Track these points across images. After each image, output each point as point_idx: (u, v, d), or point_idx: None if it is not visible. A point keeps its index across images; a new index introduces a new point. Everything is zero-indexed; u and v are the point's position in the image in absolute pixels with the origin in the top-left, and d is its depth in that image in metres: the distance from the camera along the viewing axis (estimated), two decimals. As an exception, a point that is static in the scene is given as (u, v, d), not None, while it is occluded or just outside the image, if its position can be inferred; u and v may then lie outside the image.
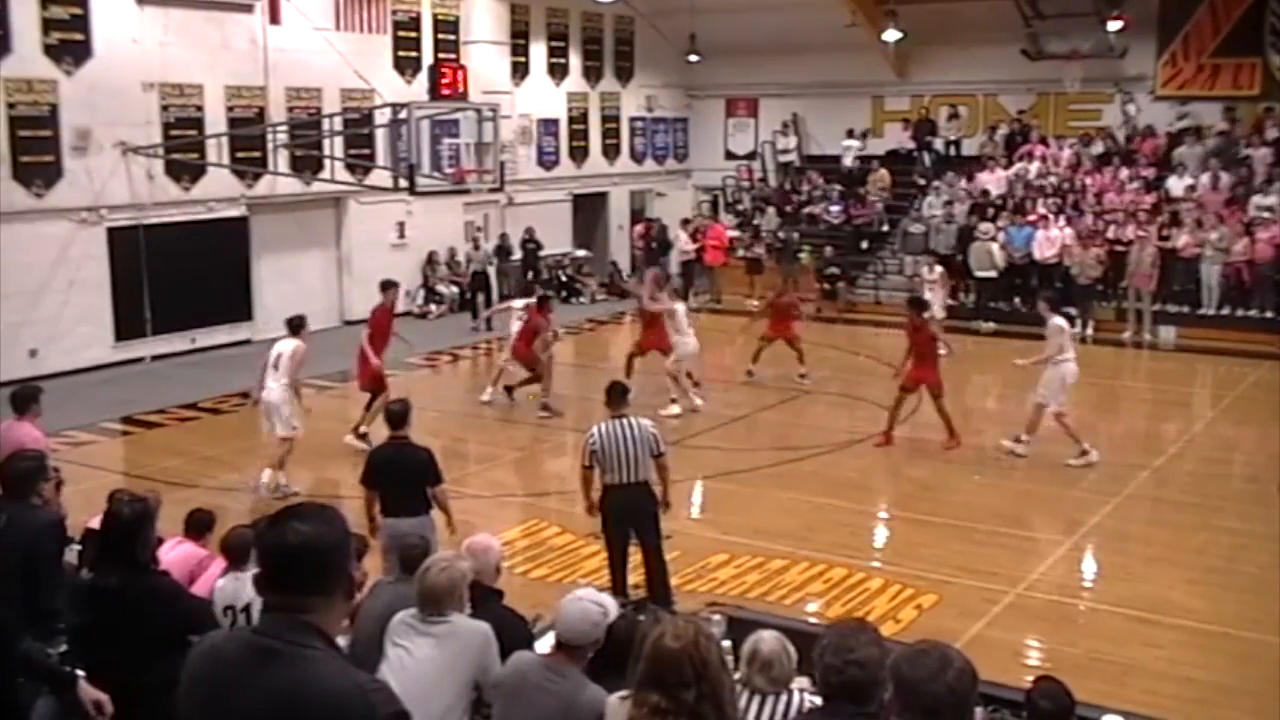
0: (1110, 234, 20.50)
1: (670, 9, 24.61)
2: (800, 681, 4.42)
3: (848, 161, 25.03)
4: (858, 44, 23.90)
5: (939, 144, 24.57)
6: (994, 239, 20.83)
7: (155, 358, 17.82)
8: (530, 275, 22.50)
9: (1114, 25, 21.65)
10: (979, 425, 14.13)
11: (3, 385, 10.19)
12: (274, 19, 18.92)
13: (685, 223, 24.41)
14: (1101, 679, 7.35)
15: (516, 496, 12.17)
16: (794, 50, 24.16)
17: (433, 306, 22.00)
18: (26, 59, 16.19)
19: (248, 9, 18.65)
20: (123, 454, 13.80)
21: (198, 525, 7.14)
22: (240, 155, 18.59)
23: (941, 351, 13.52)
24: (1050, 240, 20.45)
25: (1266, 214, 19.60)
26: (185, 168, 18.16)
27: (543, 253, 23.46)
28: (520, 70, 23.70)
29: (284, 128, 19.03)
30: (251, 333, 18.94)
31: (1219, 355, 18.14)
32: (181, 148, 17.98)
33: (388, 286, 13.76)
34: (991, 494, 11.75)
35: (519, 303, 15.74)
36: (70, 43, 16.64)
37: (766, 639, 4.47)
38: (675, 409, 14.43)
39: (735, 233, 24.63)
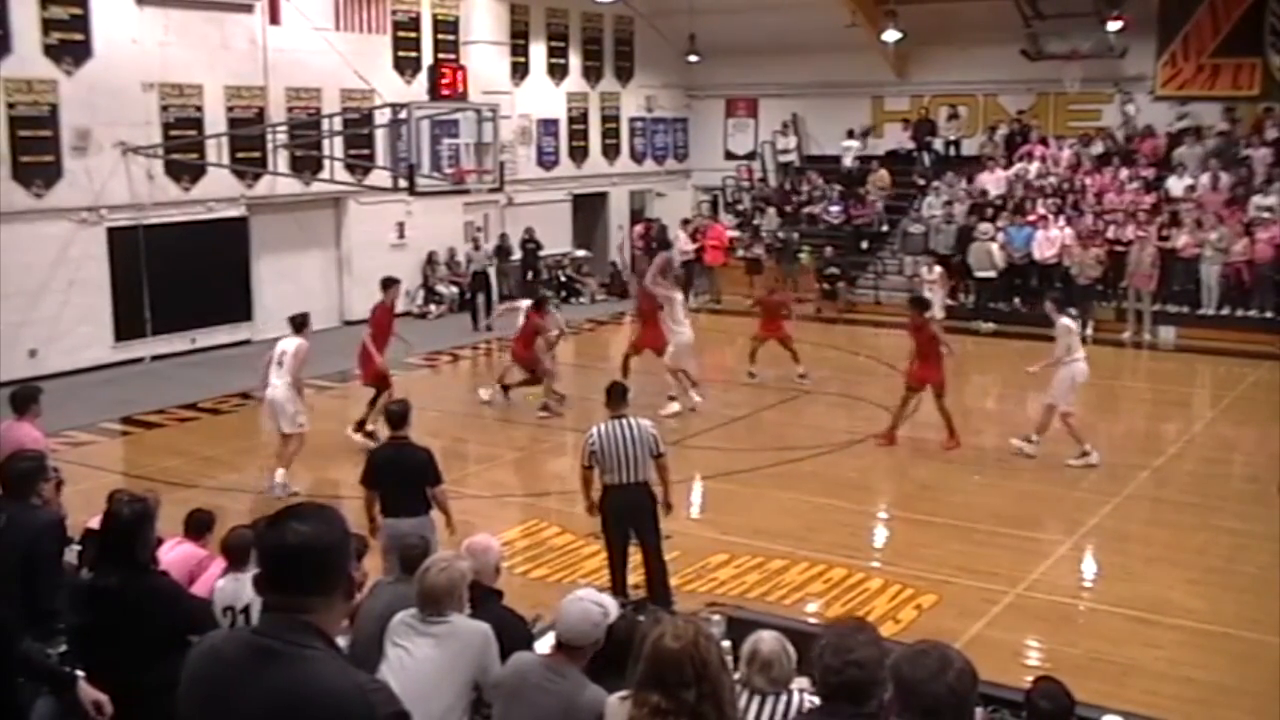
0: (1110, 234, 20.50)
1: (670, 9, 24.60)
2: (800, 682, 4.41)
3: (847, 162, 25.03)
4: (857, 44, 23.90)
5: (939, 144, 24.57)
6: (993, 239, 20.83)
7: (155, 358, 17.82)
8: (530, 275, 22.51)
9: (1114, 25, 21.65)
10: (979, 425, 14.13)
11: (2, 385, 10.19)
12: (274, 19, 18.93)
13: (685, 223, 24.41)
14: (1101, 679, 7.35)
15: (516, 496, 12.17)
16: (794, 50, 24.17)
17: (432, 307, 22.00)
18: (26, 59, 16.20)
19: (247, 9, 18.65)
20: (122, 454, 13.80)
21: (197, 525, 7.14)
22: (240, 155, 18.59)
23: (942, 351, 13.52)
24: (1050, 240, 20.45)
25: (1266, 214, 19.60)
26: (185, 168, 18.17)
27: (542, 253, 23.46)
28: (520, 70, 23.71)
29: (284, 128, 19.03)
30: (251, 333, 18.95)
31: (1219, 355, 18.14)
32: (181, 148, 17.98)
33: (389, 284, 13.75)
34: (991, 494, 11.74)
35: (524, 303, 15.72)
36: (70, 43, 16.64)
37: (766, 639, 4.47)
38: (674, 406, 14.44)
39: (735, 233, 24.62)
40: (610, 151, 26.07)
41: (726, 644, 4.44)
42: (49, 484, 6.02)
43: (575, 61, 25.02)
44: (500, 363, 16.14)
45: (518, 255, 22.87)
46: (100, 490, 7.69)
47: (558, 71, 24.67)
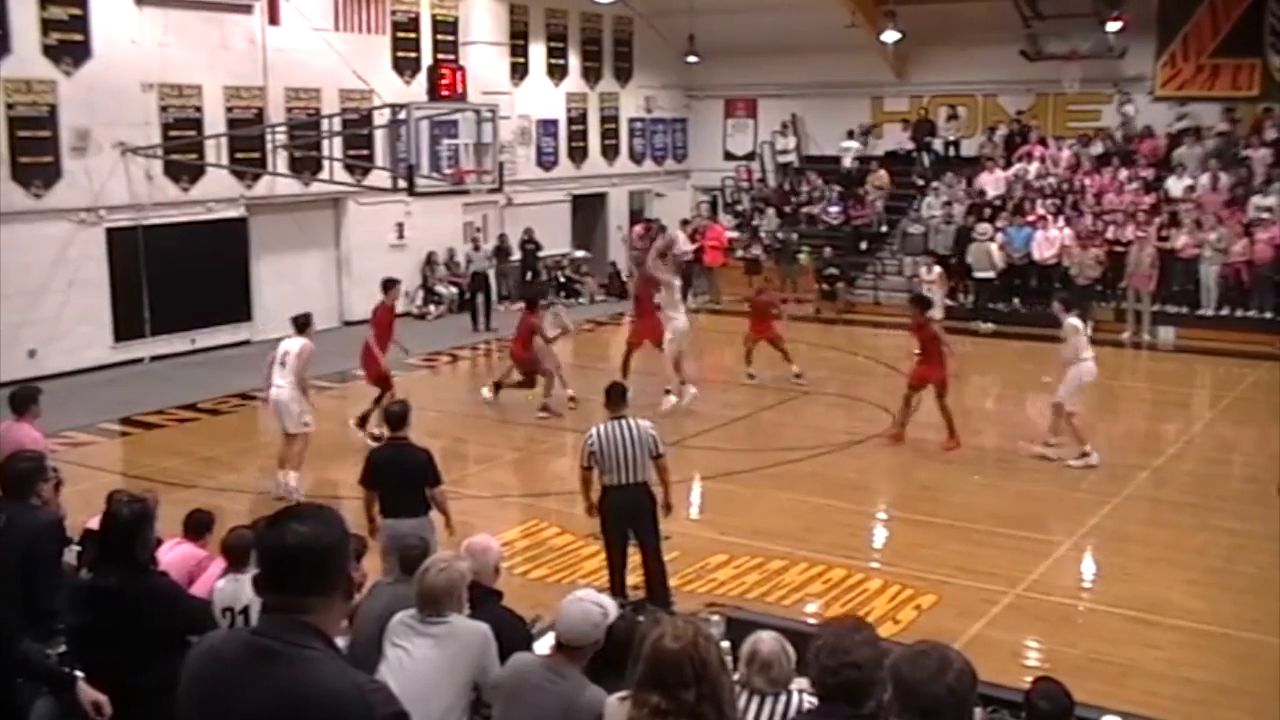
0: (1109, 234, 20.51)
1: (669, 10, 24.61)
2: (799, 682, 4.41)
3: (847, 162, 25.03)
4: (857, 44, 23.91)
5: (938, 144, 24.57)
6: (992, 239, 20.84)
7: (154, 358, 17.81)
8: (529, 276, 22.51)
9: (1113, 26, 21.65)
10: (978, 426, 14.14)
11: (2, 386, 10.17)
12: (273, 19, 18.92)
13: (684, 223, 24.41)
14: (1100, 679, 7.35)
15: (516, 497, 12.17)
16: (793, 51, 24.17)
17: (431, 307, 22.00)
18: (26, 59, 16.19)
19: (247, 9, 18.65)
20: (122, 455, 13.79)
21: (197, 526, 7.14)
22: (239, 156, 18.58)
23: (944, 350, 13.51)
24: (1049, 241, 20.46)
25: (1266, 214, 19.61)
26: (184, 168, 18.16)
27: (542, 253, 23.47)
28: (519, 71, 23.71)
29: (283, 128, 19.03)
30: (251, 333, 18.95)
31: (1218, 356, 18.15)
32: (180, 148, 17.98)
33: (390, 285, 13.78)
34: (991, 494, 11.74)
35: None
36: (69, 43, 16.63)
37: (765, 640, 4.47)
38: (671, 400, 14.48)
39: (734, 233, 24.63)
40: (609, 152, 26.08)
41: (726, 644, 4.44)
42: (48, 484, 6.02)
43: (574, 62, 25.02)
44: (500, 363, 16.12)
45: (517, 256, 22.89)
46: (99, 491, 7.69)
47: (557, 72, 24.67)
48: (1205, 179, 20.80)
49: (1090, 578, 9.83)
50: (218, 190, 18.60)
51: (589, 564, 9.48)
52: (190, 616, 4.91)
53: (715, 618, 6.00)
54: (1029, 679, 5.41)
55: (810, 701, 4.02)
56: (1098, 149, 22.60)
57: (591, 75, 25.48)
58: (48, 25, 16.42)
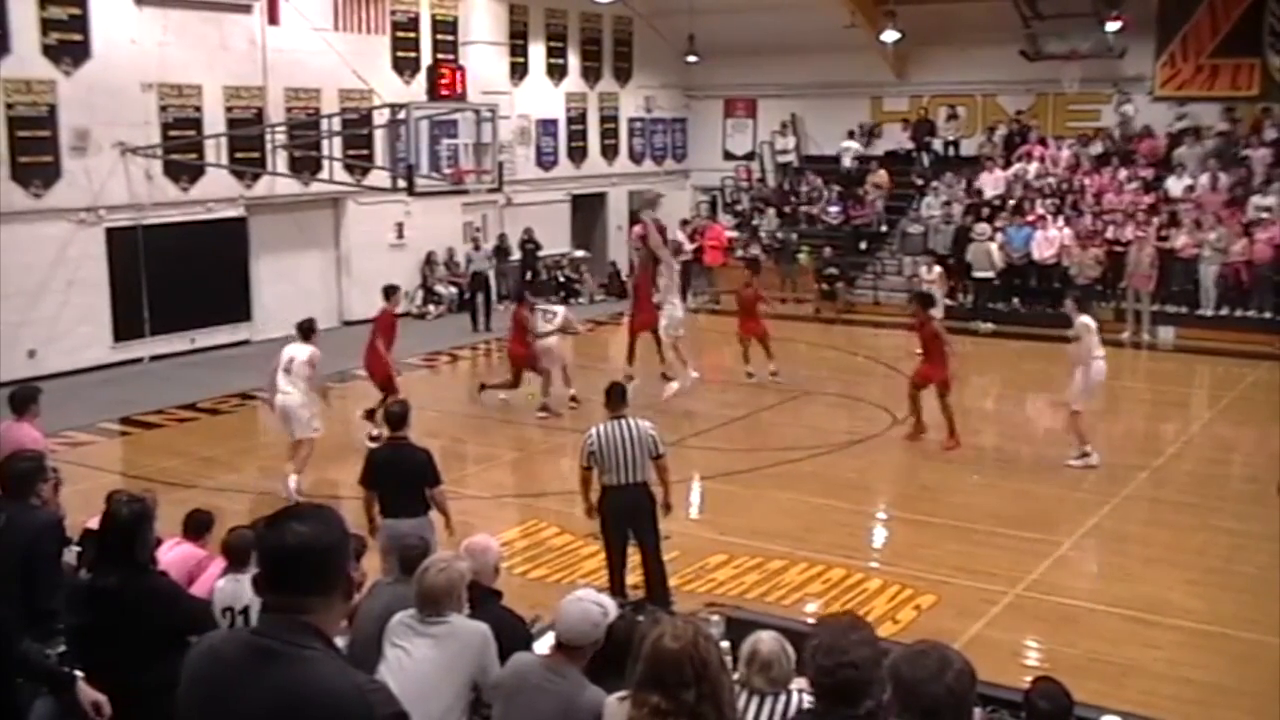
0: (1109, 234, 20.51)
1: (669, 9, 24.61)
2: (799, 682, 4.41)
3: (846, 162, 25.04)
4: (856, 44, 23.91)
5: (938, 144, 24.57)
6: (991, 239, 20.84)
7: (154, 358, 17.81)
8: (529, 276, 22.51)
9: (1113, 26, 21.65)
10: (978, 425, 14.13)
11: (2, 386, 10.17)
12: (272, 19, 18.92)
13: (684, 223, 24.40)
14: (1100, 679, 7.35)
15: (515, 497, 12.17)
16: (793, 51, 24.17)
17: (431, 307, 22.00)
18: (25, 59, 16.19)
19: (246, 9, 18.65)
20: (121, 454, 13.79)
21: (196, 526, 7.14)
22: (239, 156, 18.58)
23: (945, 349, 13.50)
24: (1049, 241, 20.46)
25: (1265, 214, 19.61)
26: (184, 168, 18.16)
27: (541, 253, 23.48)
28: (519, 71, 23.71)
29: (282, 128, 19.03)
30: (250, 333, 18.96)
31: (1217, 356, 18.15)
32: (180, 148, 17.98)
33: (392, 291, 13.90)
34: (990, 494, 11.74)
35: (541, 306, 15.61)
36: (69, 43, 16.63)
37: (765, 639, 4.47)
38: (674, 385, 14.50)
39: (734, 233, 24.63)
40: (609, 152, 26.07)
41: (725, 644, 4.44)
42: (48, 484, 6.01)
43: (574, 62, 25.02)
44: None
45: (517, 255, 22.88)
46: (99, 490, 7.68)
47: (556, 72, 24.67)
48: (1205, 179, 20.80)
49: (1090, 578, 9.82)
50: (217, 190, 18.60)
51: (588, 564, 9.48)
52: (190, 616, 4.91)
53: (715, 618, 6.00)
54: (1028, 679, 5.42)
55: (810, 701, 4.02)
56: (1097, 149, 22.61)
57: (591, 75, 25.48)
58: (47, 25, 16.42)
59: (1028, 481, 12.08)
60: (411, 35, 21.54)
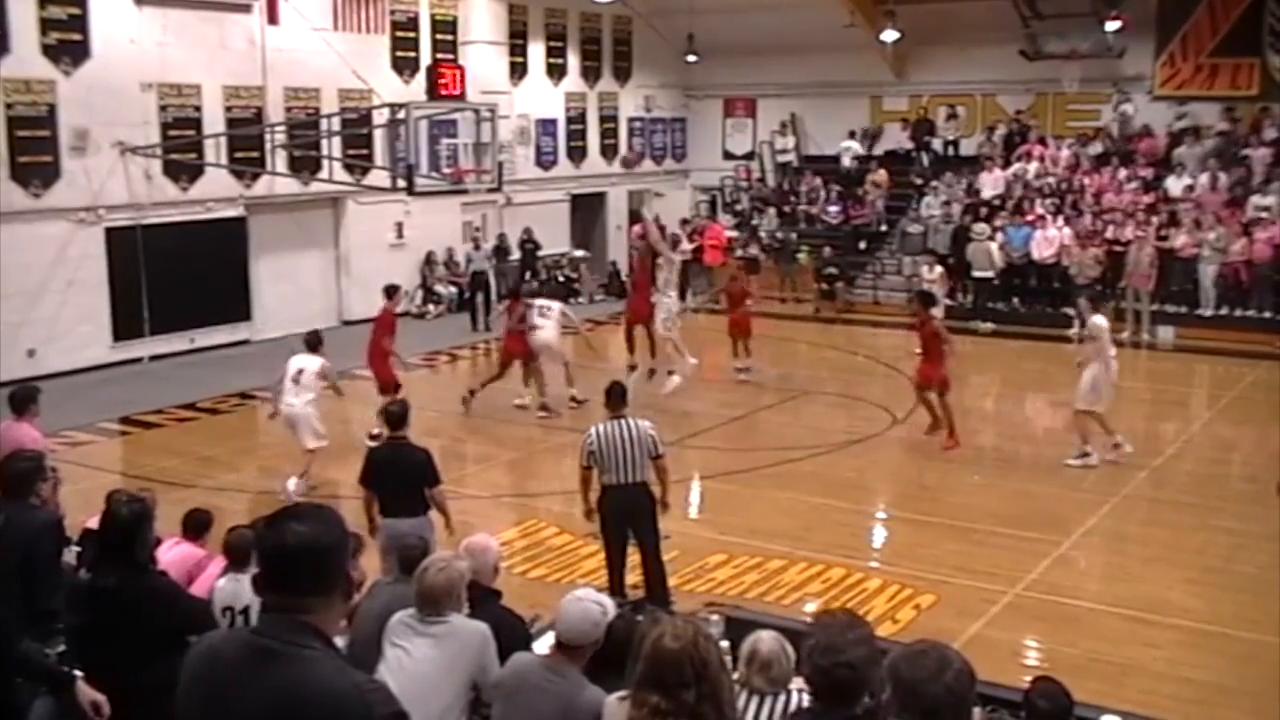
0: (1109, 234, 20.50)
1: (668, 9, 24.61)
2: (799, 681, 4.40)
3: (846, 162, 25.04)
4: (856, 44, 23.92)
5: (937, 144, 24.58)
6: (990, 239, 20.84)
7: (153, 358, 17.80)
8: (528, 275, 22.49)
9: (1112, 25, 21.66)
10: (977, 425, 14.13)
11: (1, 385, 10.18)
12: (272, 19, 18.92)
13: (684, 223, 24.40)
14: (1099, 679, 7.35)
15: (514, 497, 12.17)
16: (792, 50, 24.17)
17: (431, 307, 22.01)
18: (25, 59, 16.19)
19: (246, 9, 18.64)
20: (121, 454, 13.79)
21: (196, 525, 7.14)
22: (238, 155, 18.58)
23: (945, 349, 13.50)
24: (1049, 240, 20.46)
25: (1265, 214, 19.61)
26: (183, 168, 18.16)
27: (541, 253, 23.48)
28: (518, 70, 23.71)
29: (282, 128, 19.03)
30: (250, 333, 18.95)
31: (1217, 355, 18.16)
32: (179, 148, 17.97)
33: (393, 291, 13.92)
34: (990, 494, 11.74)
35: (538, 302, 15.60)
36: (68, 43, 16.63)
37: (765, 639, 4.47)
38: (675, 380, 14.54)
39: (733, 233, 24.63)
40: (609, 151, 26.06)
41: (725, 644, 4.44)
42: (47, 484, 6.01)
43: (574, 61, 25.02)
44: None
45: (516, 255, 22.88)
46: (98, 490, 7.67)
47: (556, 71, 24.67)
48: (1204, 178, 20.80)
49: (1090, 577, 9.82)
50: (217, 190, 18.59)
51: (588, 563, 9.48)
52: (190, 616, 4.90)
53: (715, 617, 6.00)
54: (1028, 678, 5.42)
55: (809, 700, 4.02)
56: (1097, 148, 22.61)
57: (590, 75, 25.48)
58: (47, 25, 16.42)
59: (1027, 481, 12.09)
60: (411, 35, 21.54)
